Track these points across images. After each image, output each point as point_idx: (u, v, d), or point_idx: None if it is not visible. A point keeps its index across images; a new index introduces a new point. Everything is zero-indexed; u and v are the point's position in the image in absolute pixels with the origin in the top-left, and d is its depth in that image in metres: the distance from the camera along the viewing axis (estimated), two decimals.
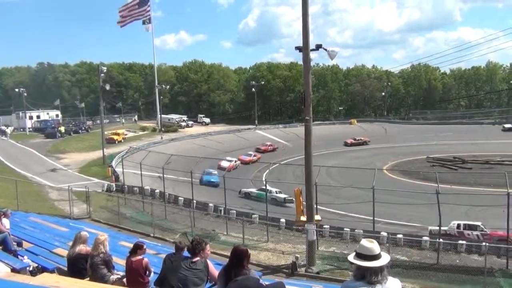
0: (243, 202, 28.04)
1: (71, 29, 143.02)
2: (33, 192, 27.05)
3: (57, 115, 65.49)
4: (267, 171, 37.00)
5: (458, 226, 20.12)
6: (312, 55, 16.42)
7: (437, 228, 18.54)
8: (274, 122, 75.88)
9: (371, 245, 3.04)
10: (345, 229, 20.06)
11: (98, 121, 55.10)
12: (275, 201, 27.59)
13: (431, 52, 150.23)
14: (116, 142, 49.86)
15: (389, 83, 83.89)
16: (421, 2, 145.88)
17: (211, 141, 54.93)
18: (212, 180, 32.73)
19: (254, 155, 46.19)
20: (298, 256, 16.29)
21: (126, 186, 28.81)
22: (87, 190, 23.75)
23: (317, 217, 17.00)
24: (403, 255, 17.50)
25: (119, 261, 7.07)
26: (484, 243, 16.01)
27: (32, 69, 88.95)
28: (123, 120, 70.96)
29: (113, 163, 35.32)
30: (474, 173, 35.17)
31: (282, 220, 21.59)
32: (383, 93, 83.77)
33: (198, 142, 52.92)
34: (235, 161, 41.44)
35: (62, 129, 54.47)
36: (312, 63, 18.40)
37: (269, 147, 51.75)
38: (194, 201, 25.10)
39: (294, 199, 20.52)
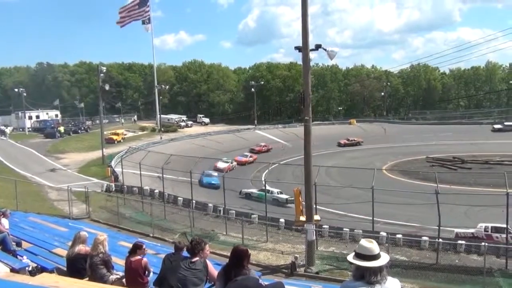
0: (243, 203, 28.03)
1: (71, 29, 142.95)
2: (32, 192, 27.03)
3: (56, 115, 65.42)
4: (266, 171, 37.02)
5: (486, 228, 19.39)
6: (312, 55, 16.38)
7: (464, 230, 18.45)
8: (274, 122, 75.92)
9: (371, 245, 3.04)
10: (344, 229, 20.10)
11: (98, 121, 55.19)
12: (277, 202, 27.60)
13: (431, 52, 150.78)
14: (116, 142, 49.86)
15: (389, 83, 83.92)
16: (420, 3, 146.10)
17: (211, 141, 54.93)
18: (212, 182, 32.65)
19: (250, 156, 46.00)
20: (298, 256, 16.32)
21: (125, 186, 28.80)
22: (86, 190, 23.76)
23: (316, 217, 17.02)
24: (402, 255, 17.52)
25: (119, 261, 7.07)
26: (483, 243, 16.01)
27: (31, 69, 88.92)
28: (123, 120, 70.90)
29: (113, 163, 35.30)
30: (474, 173, 35.19)
31: (282, 220, 21.61)
32: (383, 93, 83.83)
33: (198, 142, 52.91)
34: (232, 162, 41.24)
35: (62, 129, 54.41)
36: (311, 63, 18.40)
37: (263, 148, 51.65)
38: (194, 201, 25.09)
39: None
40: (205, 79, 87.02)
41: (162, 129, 60.87)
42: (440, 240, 17.61)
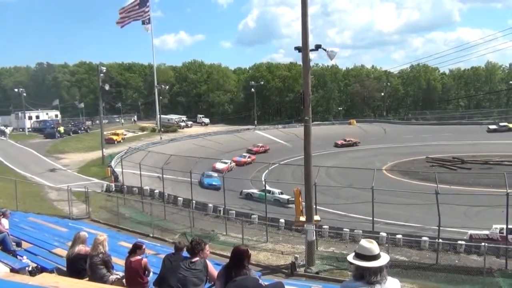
0: (244, 203, 28.02)
1: (71, 29, 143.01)
2: (32, 192, 27.00)
3: (56, 115, 65.37)
4: (266, 171, 37.03)
5: (501, 230, 18.63)
6: (312, 55, 16.36)
7: (478, 232, 18.33)
8: (274, 122, 75.92)
9: (371, 245, 3.04)
10: (344, 229, 20.10)
11: (98, 121, 55.21)
12: (278, 203, 27.58)
13: (430, 52, 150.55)
14: (116, 142, 49.83)
15: (389, 84, 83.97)
16: (420, 3, 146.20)
17: (210, 142, 54.93)
18: (213, 183, 32.41)
19: (249, 157, 45.92)
20: (297, 256, 16.32)
21: (125, 186, 28.78)
22: (86, 190, 23.76)
23: (316, 217, 17.02)
24: (402, 256, 17.51)
25: (118, 261, 7.06)
26: (483, 243, 16.01)
27: (31, 69, 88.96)
28: (123, 120, 70.89)
29: (112, 163, 35.28)
30: (473, 173, 35.19)
31: (282, 220, 21.60)
32: (382, 94, 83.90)
33: (197, 142, 52.91)
34: (230, 163, 41.13)
35: (62, 129, 54.33)
36: (311, 63, 18.39)
37: (261, 148, 51.58)
38: (193, 201, 25.09)
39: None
40: (205, 79, 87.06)
41: (162, 129, 60.87)
42: (440, 240, 17.60)
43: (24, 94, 58.11)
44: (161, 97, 67.10)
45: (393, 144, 55.08)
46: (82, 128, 59.63)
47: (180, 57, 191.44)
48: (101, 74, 41.29)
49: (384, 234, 18.14)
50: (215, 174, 34.29)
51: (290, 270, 15.66)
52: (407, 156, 47.21)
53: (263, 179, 28.25)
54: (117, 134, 52.95)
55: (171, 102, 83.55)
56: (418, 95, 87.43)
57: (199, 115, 77.42)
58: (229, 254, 4.43)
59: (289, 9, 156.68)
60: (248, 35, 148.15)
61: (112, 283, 5.95)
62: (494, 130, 60.38)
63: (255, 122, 70.37)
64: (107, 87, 41.74)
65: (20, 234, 10.38)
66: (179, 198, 26.57)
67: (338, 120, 77.36)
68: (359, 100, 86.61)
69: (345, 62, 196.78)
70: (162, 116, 65.67)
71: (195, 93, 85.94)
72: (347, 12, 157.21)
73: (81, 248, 6.35)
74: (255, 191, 29.66)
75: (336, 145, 55.81)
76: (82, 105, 70.58)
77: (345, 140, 57.20)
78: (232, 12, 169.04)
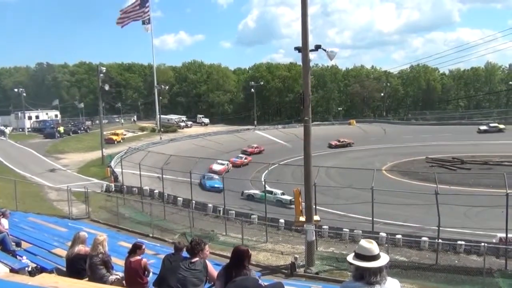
0: (244, 203, 27.99)
1: (70, 29, 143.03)
2: (32, 192, 27.01)
3: (56, 115, 65.37)
4: (266, 171, 37.01)
5: None
6: (311, 55, 16.37)
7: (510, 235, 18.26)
8: (273, 122, 75.91)
9: (370, 245, 3.04)
10: (344, 229, 20.10)
11: (97, 122, 55.20)
12: (280, 203, 27.51)
13: (430, 52, 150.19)
14: (115, 142, 49.83)
15: (388, 84, 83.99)
16: (420, 3, 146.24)
17: (210, 142, 54.92)
18: (216, 185, 31.86)
19: (245, 158, 45.78)
20: (297, 256, 16.32)
21: (125, 186, 28.77)
22: (86, 190, 23.76)
23: (316, 217, 17.02)
24: (402, 256, 17.51)
25: (118, 262, 7.06)
26: (482, 243, 16.00)
27: (31, 69, 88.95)
28: (122, 120, 70.91)
29: (112, 164, 35.27)
30: (473, 174, 35.18)
31: (281, 220, 21.60)
32: (382, 94, 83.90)
33: (197, 142, 52.91)
34: (227, 164, 40.88)
35: (61, 129, 54.30)
36: (311, 64, 18.40)
37: (256, 149, 51.37)
38: (193, 202, 25.08)
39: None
40: (205, 79, 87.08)
41: (162, 129, 60.87)
42: (440, 240, 17.60)
43: (24, 94, 58.13)
44: (161, 97, 67.11)
45: (392, 144, 55.06)
46: (82, 128, 59.62)
47: (180, 57, 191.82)
48: (101, 74, 41.30)
49: (383, 234, 18.13)
50: (216, 176, 34.09)
51: (290, 271, 15.66)
52: (407, 156, 47.20)
53: (262, 180, 28.24)
54: (117, 134, 52.96)
55: (171, 102, 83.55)
56: (418, 96, 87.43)
57: (199, 115, 77.43)
58: (228, 254, 4.43)
59: (289, 9, 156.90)
60: (248, 35, 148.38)
61: (112, 283, 5.95)
62: (485, 131, 60.34)
63: (255, 122, 70.35)
64: (107, 87, 41.76)
65: (20, 234, 10.38)
66: (178, 198, 26.57)
67: (338, 120, 77.36)
68: (358, 100, 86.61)
69: (345, 62, 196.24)
70: (162, 116, 65.66)
71: (195, 93, 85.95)
72: (347, 12, 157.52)
73: (81, 248, 6.35)
74: (256, 191, 29.53)
75: (330, 146, 55.26)
76: (82, 105, 70.61)
77: (339, 141, 56.94)
78: (232, 12, 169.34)
